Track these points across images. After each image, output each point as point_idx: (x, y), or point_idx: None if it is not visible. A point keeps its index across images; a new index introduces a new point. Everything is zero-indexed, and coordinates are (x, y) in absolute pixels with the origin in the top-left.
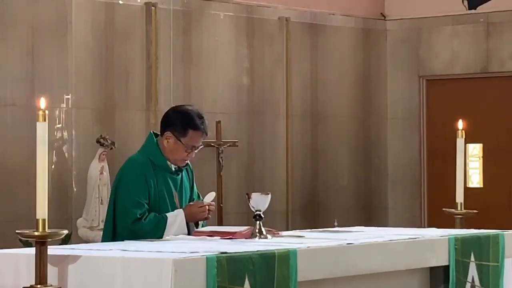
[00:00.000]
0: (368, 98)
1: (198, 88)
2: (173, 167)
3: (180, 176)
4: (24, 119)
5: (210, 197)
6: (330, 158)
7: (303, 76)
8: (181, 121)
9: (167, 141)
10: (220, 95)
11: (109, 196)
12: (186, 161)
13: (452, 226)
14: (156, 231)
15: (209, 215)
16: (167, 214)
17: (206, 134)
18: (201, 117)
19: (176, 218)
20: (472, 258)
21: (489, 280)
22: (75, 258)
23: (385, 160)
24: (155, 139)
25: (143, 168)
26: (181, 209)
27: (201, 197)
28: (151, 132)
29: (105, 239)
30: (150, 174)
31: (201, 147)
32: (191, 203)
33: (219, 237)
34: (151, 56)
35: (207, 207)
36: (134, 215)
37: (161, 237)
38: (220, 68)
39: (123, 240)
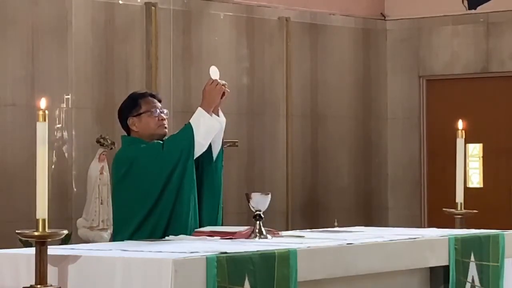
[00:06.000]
0: (368, 98)
1: (198, 88)
2: None
3: None
4: (24, 119)
5: (214, 73)
6: (330, 158)
7: (303, 76)
8: (128, 102)
9: (135, 126)
10: None
11: (111, 195)
12: (165, 126)
13: (452, 226)
14: (185, 134)
15: (228, 90)
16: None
17: (157, 98)
18: (143, 91)
19: (195, 115)
20: (472, 258)
21: (489, 280)
22: (75, 258)
23: (385, 160)
24: (127, 136)
25: (136, 144)
26: (198, 108)
27: None
28: (122, 135)
29: (119, 224)
30: None
31: (166, 110)
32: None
33: (219, 237)
34: (151, 56)
35: (218, 81)
36: (158, 144)
37: (193, 139)
38: (220, 68)
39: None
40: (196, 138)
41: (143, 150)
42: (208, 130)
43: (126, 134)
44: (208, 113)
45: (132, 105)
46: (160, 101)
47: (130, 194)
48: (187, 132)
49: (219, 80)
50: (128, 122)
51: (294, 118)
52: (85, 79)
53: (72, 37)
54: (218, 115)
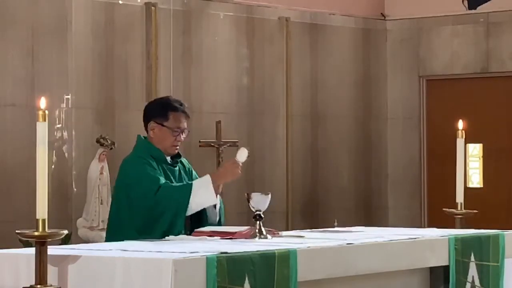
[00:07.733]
0: (368, 98)
1: (198, 88)
2: (168, 159)
3: (177, 168)
4: (24, 119)
5: (243, 155)
6: (330, 158)
7: (303, 76)
8: (160, 107)
9: (153, 132)
10: (220, 95)
11: (111, 196)
12: (177, 147)
13: (452, 226)
14: (181, 194)
15: (240, 172)
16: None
17: (188, 115)
18: (178, 101)
19: (202, 180)
20: (472, 258)
21: (489, 280)
22: (75, 258)
23: (385, 160)
24: (143, 138)
25: (145, 158)
26: (207, 174)
27: None
28: (138, 134)
29: (110, 235)
30: (153, 164)
31: (187, 131)
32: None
33: (219, 237)
34: (151, 56)
35: (240, 164)
36: (156, 184)
37: (187, 204)
38: (220, 68)
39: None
40: (191, 202)
41: (142, 181)
42: (202, 202)
43: (142, 134)
44: (213, 184)
45: (161, 113)
46: (188, 118)
47: (126, 202)
48: (185, 193)
49: (241, 164)
50: (149, 124)
51: (294, 118)
52: (85, 79)
53: (72, 37)
54: (218, 189)
